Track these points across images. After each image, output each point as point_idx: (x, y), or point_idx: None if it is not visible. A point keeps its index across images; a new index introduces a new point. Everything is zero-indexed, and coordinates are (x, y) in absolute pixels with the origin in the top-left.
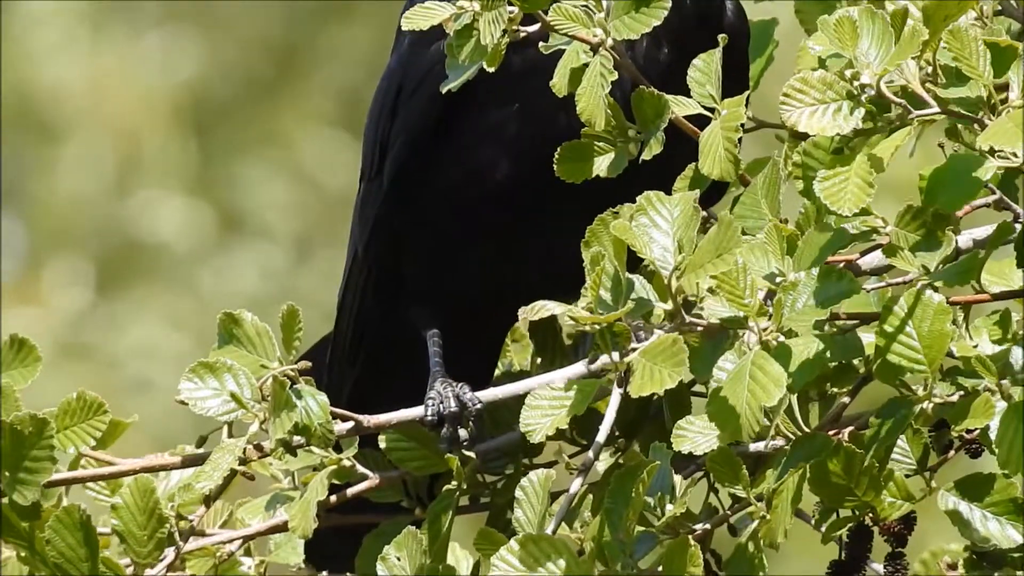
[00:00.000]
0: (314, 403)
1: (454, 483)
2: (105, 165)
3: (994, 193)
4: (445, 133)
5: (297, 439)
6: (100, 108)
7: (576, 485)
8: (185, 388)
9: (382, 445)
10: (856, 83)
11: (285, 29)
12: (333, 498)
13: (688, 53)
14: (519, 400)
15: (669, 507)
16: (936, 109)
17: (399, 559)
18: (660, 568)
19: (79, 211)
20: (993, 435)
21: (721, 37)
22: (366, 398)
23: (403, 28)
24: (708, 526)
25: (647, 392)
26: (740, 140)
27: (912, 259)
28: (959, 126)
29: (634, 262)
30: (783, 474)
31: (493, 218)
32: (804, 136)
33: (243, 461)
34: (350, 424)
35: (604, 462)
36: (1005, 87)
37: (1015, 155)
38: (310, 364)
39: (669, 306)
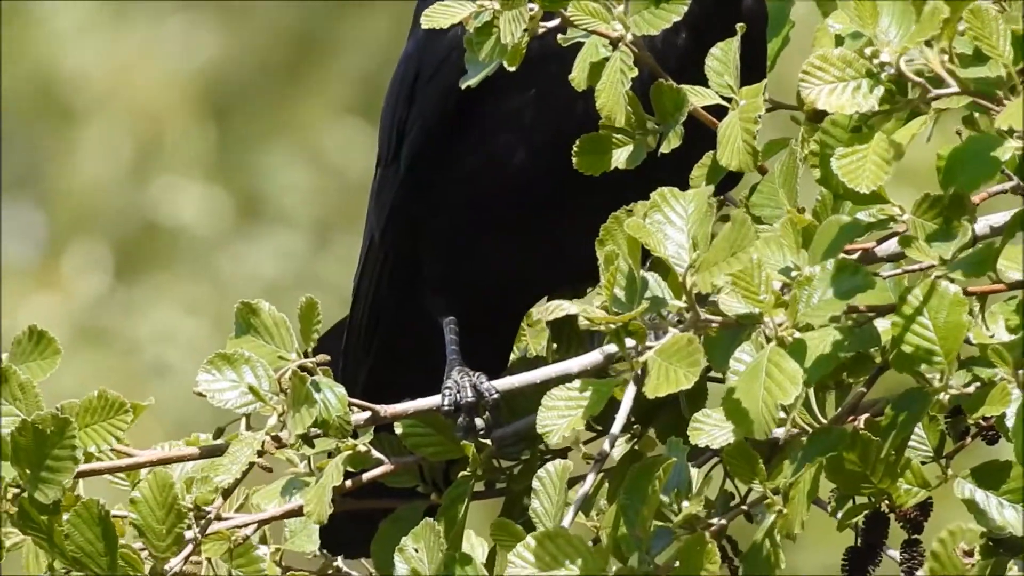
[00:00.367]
0: (332, 396)
1: (470, 469)
2: (124, 150)
3: (1011, 179)
4: (462, 119)
5: (315, 431)
6: (120, 93)
7: (592, 475)
8: (203, 380)
9: (398, 431)
10: (876, 61)
11: (305, 15)
12: (349, 483)
13: (706, 38)
14: (535, 387)
15: (685, 504)
16: (955, 88)
17: (416, 551)
18: (676, 564)
19: (98, 196)
20: (1010, 423)
21: (739, 26)
22: (382, 385)
23: (422, 26)
24: (724, 521)
25: (663, 393)
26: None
27: (928, 250)
28: (976, 114)
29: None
30: (800, 467)
31: (509, 206)
32: (821, 118)
33: (261, 453)
34: (367, 414)
35: (620, 448)
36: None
37: None
38: (328, 358)
39: (684, 303)
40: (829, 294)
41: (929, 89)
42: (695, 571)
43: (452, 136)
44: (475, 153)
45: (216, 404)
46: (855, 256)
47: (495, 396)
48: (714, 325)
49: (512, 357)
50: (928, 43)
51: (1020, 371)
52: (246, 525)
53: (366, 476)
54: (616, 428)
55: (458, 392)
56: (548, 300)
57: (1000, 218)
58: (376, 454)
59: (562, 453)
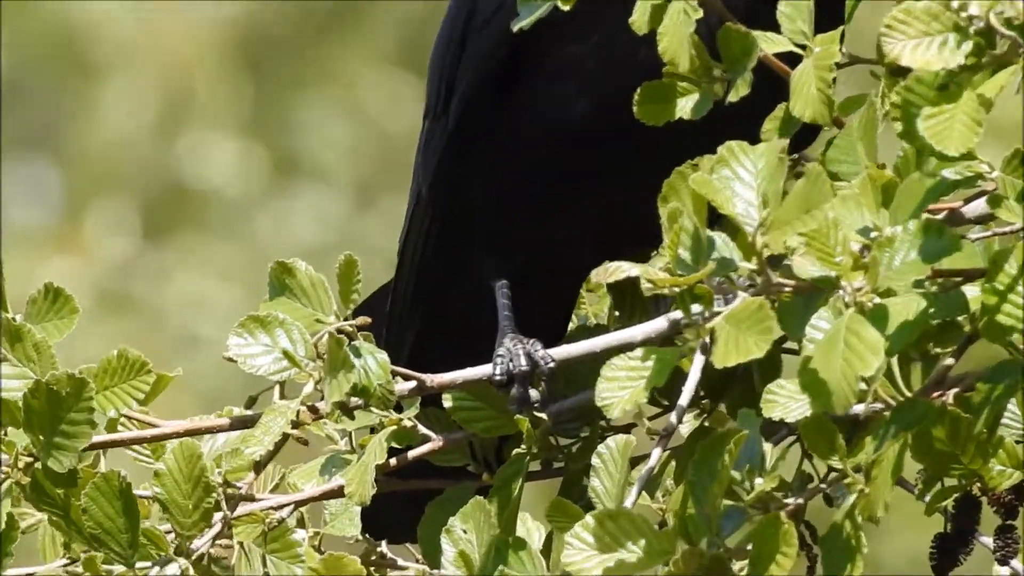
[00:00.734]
0: (373, 362)
1: (524, 446)
2: (151, 105)
3: None
4: (517, 69)
5: (355, 400)
6: (146, 43)
7: (657, 452)
8: (234, 344)
9: (446, 404)
10: (963, 14)
11: None
12: (393, 461)
13: None
14: (595, 357)
15: (759, 481)
16: None
17: (465, 532)
18: (749, 547)
19: (122, 154)
20: None
21: None
22: (429, 354)
23: None
24: (801, 500)
25: (732, 362)
26: (834, 79)
27: (1019, 210)
28: None
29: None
30: (883, 444)
31: (567, 161)
32: (903, 73)
33: (296, 424)
34: (412, 384)
35: (688, 424)
36: None
37: None
38: (369, 320)
39: (754, 265)
40: (912, 257)
41: (1020, 42)
42: (769, 554)
43: (507, 86)
44: (530, 104)
45: (247, 371)
46: (940, 216)
47: (551, 365)
48: (787, 289)
49: (571, 326)
50: None
51: None
52: (281, 507)
53: (412, 454)
54: (683, 400)
55: (511, 361)
56: (609, 263)
57: None
58: (423, 429)
59: (625, 429)
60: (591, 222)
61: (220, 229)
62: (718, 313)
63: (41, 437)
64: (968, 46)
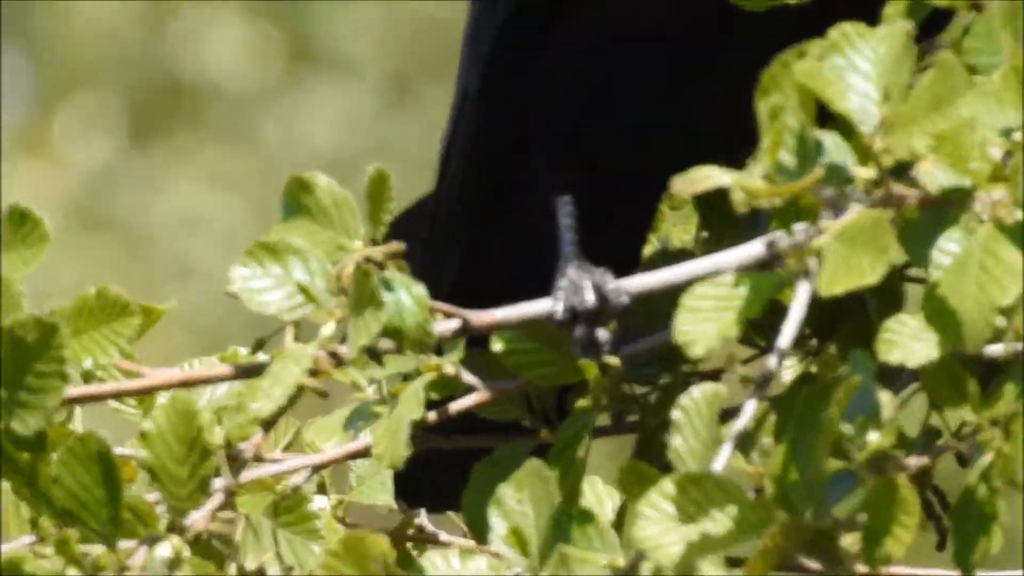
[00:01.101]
0: (407, 297)
1: (591, 398)
2: None
3: None
4: None
5: (385, 343)
6: None
7: (752, 404)
8: (239, 276)
9: (496, 347)
10: None
11: None
12: (432, 415)
13: None
14: (679, 289)
15: (873, 436)
16: None
17: (520, 503)
18: (862, 516)
19: (103, 43)
20: None
21: None
22: (475, 286)
23: None
24: (927, 459)
25: (840, 289)
26: None
27: None
28: None
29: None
30: None
31: (650, 48)
32: None
33: (313, 372)
34: (455, 323)
35: (790, 370)
36: None
37: None
38: (404, 246)
39: (871, 172)
40: None
41: None
42: (886, 526)
43: None
44: None
45: (255, 309)
46: None
47: (624, 300)
48: (910, 202)
49: (649, 250)
50: None
51: None
52: (297, 471)
53: (454, 406)
54: (784, 341)
55: (576, 294)
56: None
57: None
58: (468, 377)
59: (713, 376)
60: (674, 122)
61: (222, 132)
62: (826, 230)
63: (5, 392)
64: None
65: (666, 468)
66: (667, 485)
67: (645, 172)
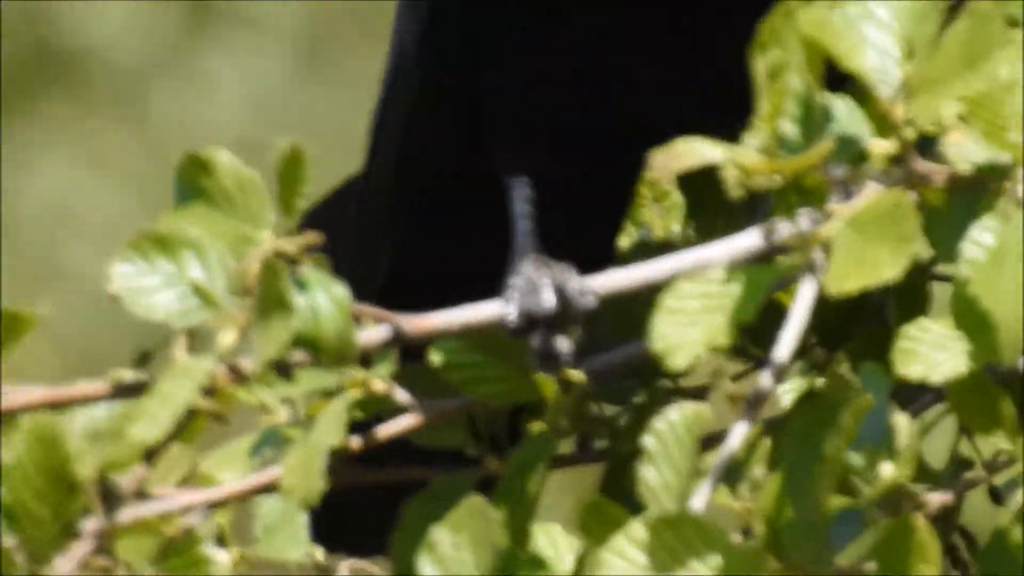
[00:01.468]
0: (326, 298)
1: (548, 420)
2: None
3: None
4: None
5: (299, 355)
6: None
7: (742, 428)
8: (120, 274)
9: (435, 360)
10: None
11: None
12: (356, 441)
13: None
14: (657, 289)
15: (886, 468)
16: None
17: (456, 546)
18: (871, 565)
19: None
20: None
21: None
22: (412, 284)
23: None
24: (952, 495)
25: (853, 286)
26: None
27: None
28: None
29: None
30: None
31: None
32: None
33: (210, 391)
34: (384, 330)
35: (790, 387)
36: None
37: None
38: (322, 237)
39: (890, 146)
40: None
41: None
42: (900, 574)
43: None
44: None
45: (140, 313)
46: None
47: (590, 302)
48: (937, 182)
49: (625, 243)
50: None
51: None
52: (188, 509)
53: (383, 431)
54: (783, 351)
55: (532, 296)
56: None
57: None
58: (400, 395)
59: (697, 394)
60: (654, 88)
61: (104, 104)
62: (836, 215)
63: None
64: None
65: (637, 507)
66: (637, 528)
67: (617, 146)
